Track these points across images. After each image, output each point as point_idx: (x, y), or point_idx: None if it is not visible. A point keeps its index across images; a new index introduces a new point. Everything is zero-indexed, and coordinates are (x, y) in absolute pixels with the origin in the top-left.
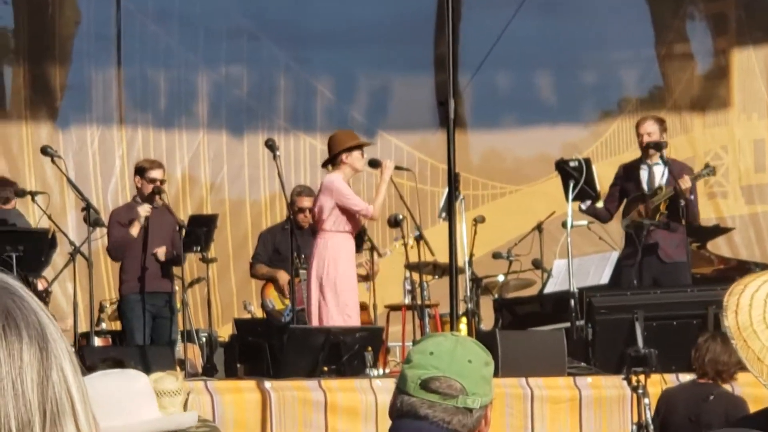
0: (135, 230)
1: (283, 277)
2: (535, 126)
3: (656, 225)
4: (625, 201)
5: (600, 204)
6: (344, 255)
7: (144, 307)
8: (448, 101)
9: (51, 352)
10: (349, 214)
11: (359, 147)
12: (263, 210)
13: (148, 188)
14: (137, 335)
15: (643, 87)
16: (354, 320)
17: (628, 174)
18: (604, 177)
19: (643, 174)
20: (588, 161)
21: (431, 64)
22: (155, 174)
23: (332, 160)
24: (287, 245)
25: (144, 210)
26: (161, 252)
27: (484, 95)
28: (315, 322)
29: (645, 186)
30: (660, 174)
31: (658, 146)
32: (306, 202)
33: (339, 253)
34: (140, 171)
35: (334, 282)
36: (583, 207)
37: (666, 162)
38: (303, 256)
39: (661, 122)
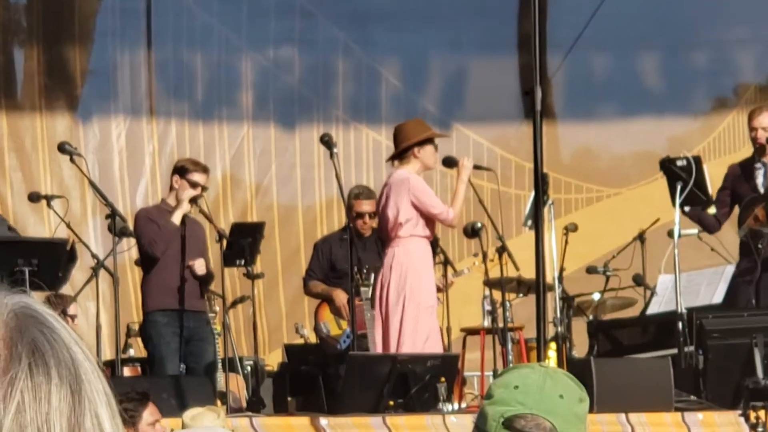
0: (177, 217)
1: (340, 296)
2: (637, 118)
3: None
4: (737, 207)
5: (712, 210)
6: (428, 266)
7: (177, 327)
8: (535, 89)
9: (85, 395)
10: (426, 217)
11: (433, 140)
12: (318, 217)
13: (187, 191)
14: (168, 363)
15: (762, 71)
16: (437, 346)
17: (739, 175)
18: (717, 178)
19: (759, 174)
20: (698, 160)
21: (515, 45)
22: (198, 177)
23: (401, 154)
24: (346, 258)
25: (188, 196)
26: (199, 265)
27: (578, 82)
28: (389, 348)
29: (761, 188)
30: None
31: None
32: (366, 206)
33: (423, 263)
34: (181, 170)
35: (418, 298)
36: (687, 209)
37: None
38: (365, 270)
39: None
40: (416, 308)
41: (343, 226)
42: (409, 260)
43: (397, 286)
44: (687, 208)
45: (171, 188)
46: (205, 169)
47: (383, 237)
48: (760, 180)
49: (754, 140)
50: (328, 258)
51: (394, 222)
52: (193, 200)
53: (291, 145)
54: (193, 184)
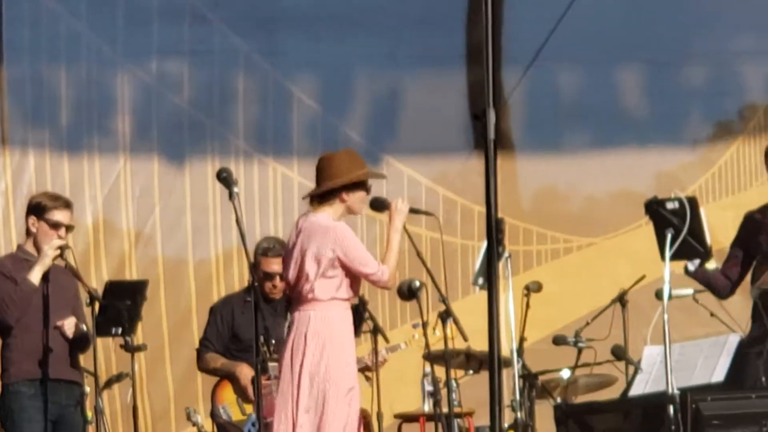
0: (36, 276)
1: (245, 373)
2: (616, 149)
3: None
4: (754, 263)
5: (712, 265)
6: (348, 339)
7: (44, 403)
8: (487, 112)
9: None
10: (351, 276)
11: (366, 182)
12: (214, 273)
13: (49, 235)
14: None
15: None
16: None
17: (758, 225)
18: (717, 225)
19: None
20: (693, 201)
21: (462, 58)
22: (60, 216)
23: (324, 195)
24: (251, 326)
25: (52, 248)
26: (69, 325)
27: (541, 104)
28: None
29: None
30: None
31: None
32: (276, 265)
33: (344, 336)
34: (37, 210)
35: (337, 380)
36: (692, 268)
37: None
38: (273, 342)
39: None
40: (336, 393)
41: (246, 287)
42: (328, 331)
43: (311, 362)
44: (691, 266)
45: (28, 232)
46: (67, 204)
47: (292, 296)
48: None
49: None
50: (229, 325)
51: (307, 279)
52: (60, 251)
53: (179, 183)
54: (55, 225)
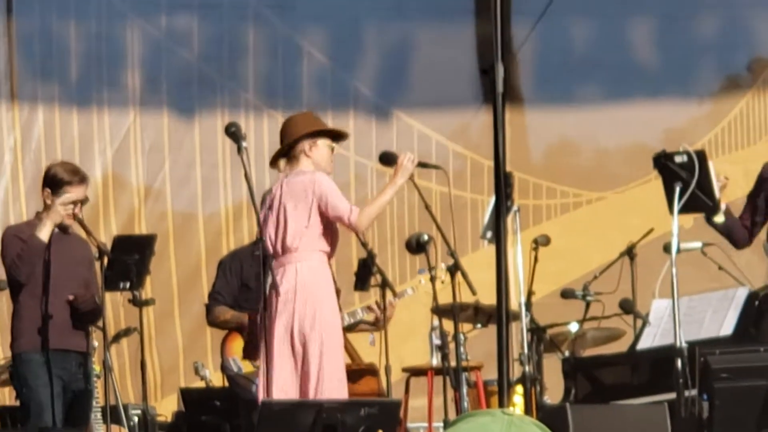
0: (45, 233)
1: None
2: (628, 102)
3: None
4: None
5: (720, 218)
6: (332, 290)
7: (51, 371)
8: (495, 66)
9: None
10: (329, 226)
11: (329, 137)
12: (224, 228)
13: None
14: (45, 412)
15: None
16: (343, 390)
17: None
18: (729, 178)
19: None
20: (702, 155)
21: (471, 11)
22: (76, 191)
23: (286, 153)
24: (260, 278)
25: (63, 202)
26: (79, 298)
27: (551, 57)
28: (307, 392)
29: None
30: None
31: None
32: None
33: (328, 286)
34: (53, 183)
35: (321, 330)
36: (719, 220)
37: None
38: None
39: None
40: (331, 341)
41: (254, 240)
42: (316, 281)
43: (304, 312)
44: (718, 220)
45: (45, 204)
46: (83, 179)
47: (275, 252)
48: None
49: None
50: (239, 278)
51: (295, 231)
52: (72, 207)
53: (189, 137)
54: (71, 201)
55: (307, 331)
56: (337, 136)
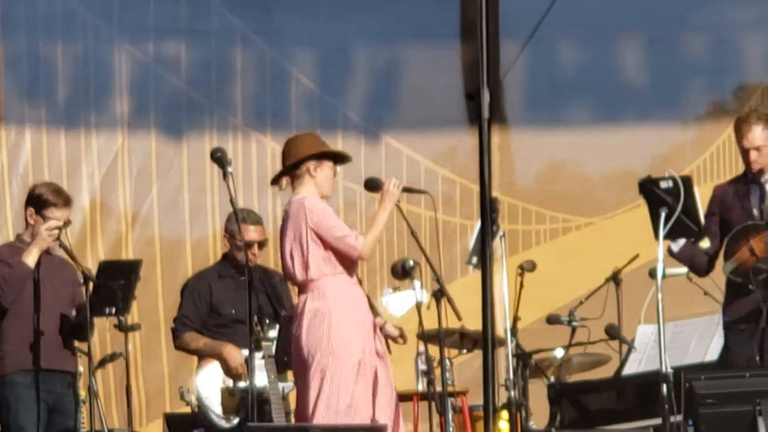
0: (32, 259)
1: (233, 354)
2: (616, 125)
3: None
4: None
5: (706, 244)
6: (351, 309)
7: (38, 393)
8: (481, 91)
9: None
10: (333, 249)
11: (333, 160)
12: (211, 253)
13: (48, 223)
14: None
15: None
16: (362, 416)
17: (729, 198)
18: None
19: (754, 195)
20: (688, 180)
21: (456, 35)
22: (60, 214)
23: (289, 173)
24: (229, 301)
25: (48, 229)
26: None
27: (539, 80)
28: (306, 417)
29: (756, 212)
30: None
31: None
32: (254, 233)
33: (342, 307)
34: (37, 203)
35: (339, 353)
36: (675, 249)
37: None
38: (266, 321)
39: None
40: (338, 366)
41: (218, 261)
42: (325, 305)
43: (308, 338)
44: (675, 247)
45: (27, 223)
46: (67, 201)
47: (291, 283)
48: (755, 202)
49: (746, 163)
50: (207, 301)
51: (298, 260)
52: (57, 233)
53: (177, 161)
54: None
55: (306, 355)
56: (341, 158)
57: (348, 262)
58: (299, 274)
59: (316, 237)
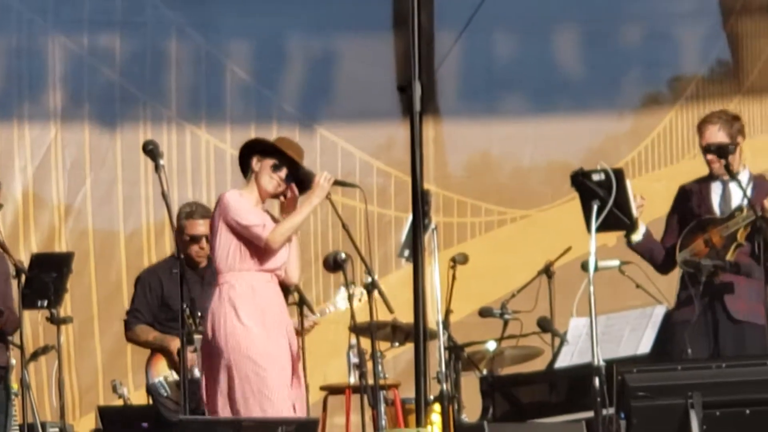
0: None
1: (176, 345)
2: (552, 116)
3: (722, 267)
4: (684, 231)
5: (637, 236)
6: (256, 305)
7: None
8: (413, 84)
9: None
10: (248, 243)
11: (280, 156)
12: (145, 245)
13: None
14: None
15: (708, 58)
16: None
17: (688, 194)
18: (650, 197)
19: (716, 193)
20: (620, 173)
21: (389, 27)
22: None
23: (243, 169)
24: (178, 294)
25: None
26: None
27: (474, 71)
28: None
29: (717, 209)
30: (739, 192)
31: (722, 151)
32: (201, 227)
33: (249, 302)
34: None
35: (245, 349)
36: (637, 238)
37: (749, 178)
38: (200, 313)
39: (731, 122)
40: (241, 361)
41: (171, 255)
42: (235, 299)
43: (218, 333)
44: (636, 239)
45: None
46: None
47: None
48: (716, 200)
49: (707, 162)
50: (158, 295)
51: (216, 252)
52: None
53: (111, 153)
54: None
55: (216, 350)
56: (291, 161)
57: (263, 258)
58: (216, 265)
59: (228, 229)
